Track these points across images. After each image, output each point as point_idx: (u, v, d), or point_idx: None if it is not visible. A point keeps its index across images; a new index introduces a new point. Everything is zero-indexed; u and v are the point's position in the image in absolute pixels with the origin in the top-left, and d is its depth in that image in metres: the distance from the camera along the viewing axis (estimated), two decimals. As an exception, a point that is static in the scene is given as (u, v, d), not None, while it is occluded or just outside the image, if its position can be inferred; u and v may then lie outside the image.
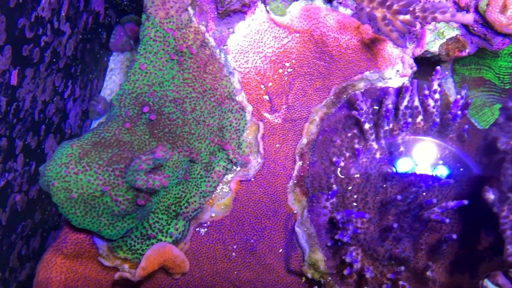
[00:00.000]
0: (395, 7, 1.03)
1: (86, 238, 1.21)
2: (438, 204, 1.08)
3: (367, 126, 1.25)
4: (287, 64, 1.35)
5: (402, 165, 1.23)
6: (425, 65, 1.76)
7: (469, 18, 0.99)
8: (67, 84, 1.56)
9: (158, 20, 1.14)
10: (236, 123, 1.32)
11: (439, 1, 1.24)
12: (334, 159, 1.27)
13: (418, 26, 1.31)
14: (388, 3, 1.02)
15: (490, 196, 0.96)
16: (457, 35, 1.43)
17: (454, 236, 1.08)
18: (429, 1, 1.20)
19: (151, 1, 1.13)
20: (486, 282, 1.10)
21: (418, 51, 1.45)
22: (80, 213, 1.02)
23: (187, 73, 1.23)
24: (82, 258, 1.21)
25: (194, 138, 1.23)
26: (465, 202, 1.07)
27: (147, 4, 1.14)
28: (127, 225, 1.07)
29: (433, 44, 1.45)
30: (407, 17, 1.03)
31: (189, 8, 1.22)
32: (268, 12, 1.32)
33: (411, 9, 1.02)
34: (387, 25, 1.02)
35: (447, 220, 1.04)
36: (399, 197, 1.12)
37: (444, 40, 1.45)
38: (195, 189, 1.26)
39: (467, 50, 1.46)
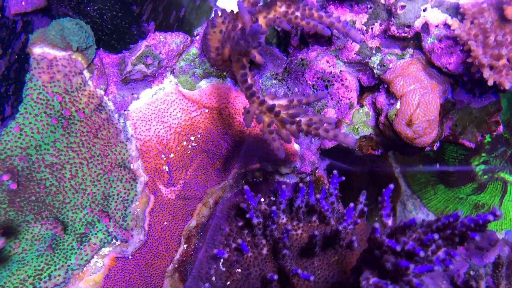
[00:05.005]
0: (282, 115, 0.99)
1: None
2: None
3: (255, 221, 1.19)
4: (192, 138, 1.29)
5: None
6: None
7: (350, 141, 0.95)
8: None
9: (40, 83, 1.07)
10: (124, 193, 1.24)
11: (329, 116, 1.21)
12: (217, 249, 1.20)
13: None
14: (276, 110, 0.98)
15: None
16: (370, 134, 1.41)
17: None
18: (318, 115, 1.17)
19: (36, 62, 1.06)
20: None
21: (330, 144, 1.42)
22: None
23: (74, 137, 1.15)
24: None
25: (67, 207, 1.14)
26: (329, 327, 1.01)
27: (32, 64, 1.06)
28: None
29: (346, 139, 1.42)
30: (293, 127, 0.99)
31: (85, 72, 1.15)
32: (177, 84, 1.26)
33: (297, 120, 0.98)
34: (271, 133, 0.97)
35: None
36: (264, 310, 1.05)
37: (358, 137, 1.42)
38: (63, 261, 1.16)
39: (380, 150, 1.43)
